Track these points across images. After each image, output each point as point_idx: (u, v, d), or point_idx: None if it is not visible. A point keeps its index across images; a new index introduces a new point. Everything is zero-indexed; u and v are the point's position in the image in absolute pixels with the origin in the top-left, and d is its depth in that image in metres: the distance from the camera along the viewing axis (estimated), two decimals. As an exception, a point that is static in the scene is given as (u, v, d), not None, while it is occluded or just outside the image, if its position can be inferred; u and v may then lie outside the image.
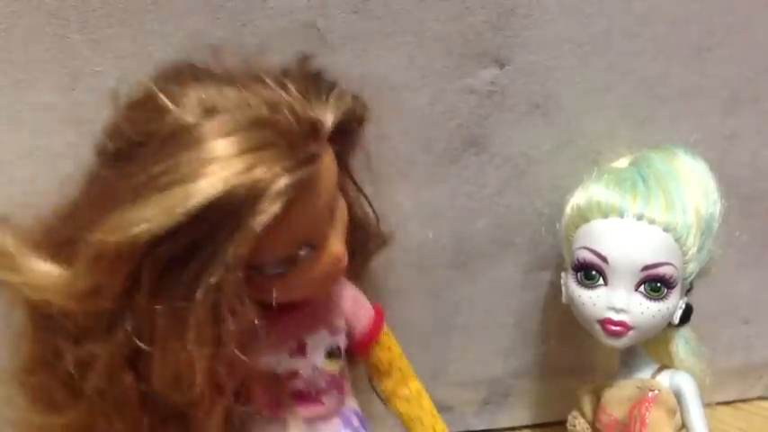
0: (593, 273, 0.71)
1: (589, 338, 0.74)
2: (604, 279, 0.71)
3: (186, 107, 0.55)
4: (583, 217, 0.73)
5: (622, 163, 0.78)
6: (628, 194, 0.72)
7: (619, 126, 0.81)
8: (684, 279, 0.72)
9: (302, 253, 0.59)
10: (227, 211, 0.52)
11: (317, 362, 0.67)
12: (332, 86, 0.60)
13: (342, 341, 0.69)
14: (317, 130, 0.57)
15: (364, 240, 0.72)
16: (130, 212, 0.53)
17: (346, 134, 0.62)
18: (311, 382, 0.67)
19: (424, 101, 0.75)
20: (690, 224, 0.71)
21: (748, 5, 0.80)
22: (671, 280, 0.70)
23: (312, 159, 0.56)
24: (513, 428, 0.92)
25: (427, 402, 0.73)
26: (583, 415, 0.78)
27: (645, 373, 0.74)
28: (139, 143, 0.55)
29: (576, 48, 0.77)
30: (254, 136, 0.54)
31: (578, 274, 0.73)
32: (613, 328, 0.71)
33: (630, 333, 0.71)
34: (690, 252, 0.71)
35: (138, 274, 0.54)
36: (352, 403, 0.71)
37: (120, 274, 0.54)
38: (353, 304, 0.70)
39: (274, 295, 0.59)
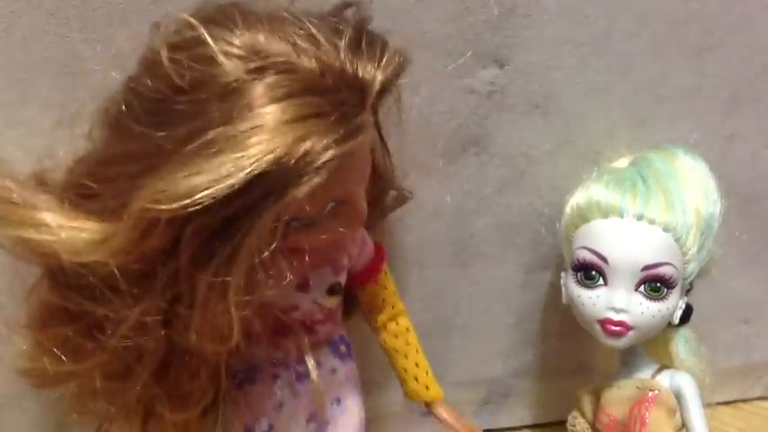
0: (593, 273, 0.71)
1: (589, 338, 0.74)
2: (604, 279, 0.71)
3: (235, 60, 0.53)
4: (583, 217, 0.73)
5: (622, 163, 0.78)
6: (627, 194, 0.72)
7: (618, 126, 0.81)
8: (684, 279, 0.72)
9: (329, 208, 0.60)
10: (272, 182, 0.52)
11: (317, 297, 0.68)
12: (383, 45, 0.58)
13: (343, 278, 0.70)
14: (366, 98, 0.56)
15: (382, 192, 0.72)
16: (179, 180, 0.51)
17: (386, 91, 0.60)
18: (308, 315, 0.68)
19: (424, 101, 0.75)
20: (690, 224, 0.71)
21: (748, 6, 0.80)
22: (671, 280, 0.70)
23: (360, 130, 0.56)
24: (513, 428, 0.92)
25: (413, 339, 0.75)
26: (583, 415, 0.78)
27: (645, 374, 0.74)
28: (183, 90, 0.54)
29: (575, 48, 0.77)
30: (305, 103, 0.53)
31: (578, 274, 0.73)
32: (613, 328, 0.71)
33: (630, 333, 0.71)
34: (690, 252, 0.71)
35: (178, 240, 0.54)
36: (340, 331, 0.72)
37: (161, 240, 0.54)
38: (359, 244, 0.70)
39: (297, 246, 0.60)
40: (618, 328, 0.71)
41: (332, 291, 0.69)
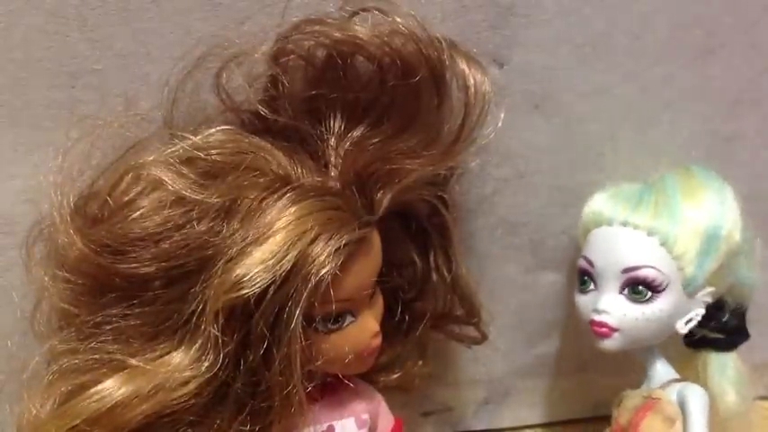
0: (585, 278, 0.73)
1: (589, 339, 0.74)
2: (594, 284, 0.73)
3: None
4: (585, 228, 0.75)
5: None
6: (619, 205, 0.73)
7: (619, 127, 0.81)
8: (686, 287, 0.72)
9: (342, 315, 0.63)
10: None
11: None
12: None
13: None
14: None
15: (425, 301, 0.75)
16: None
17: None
18: None
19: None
20: (678, 231, 0.71)
21: (750, 8, 0.80)
22: (654, 283, 0.70)
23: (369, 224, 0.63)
24: (513, 428, 0.92)
25: None
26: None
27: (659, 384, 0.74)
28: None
29: (575, 48, 0.77)
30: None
31: (578, 282, 0.74)
32: (597, 329, 0.72)
33: (616, 335, 0.71)
34: (684, 258, 0.71)
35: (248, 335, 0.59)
36: None
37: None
38: (379, 406, 0.71)
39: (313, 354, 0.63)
40: (602, 329, 0.71)
41: None
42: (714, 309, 0.74)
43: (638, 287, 0.71)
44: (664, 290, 0.71)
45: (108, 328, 0.60)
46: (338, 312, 0.62)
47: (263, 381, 0.59)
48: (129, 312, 0.60)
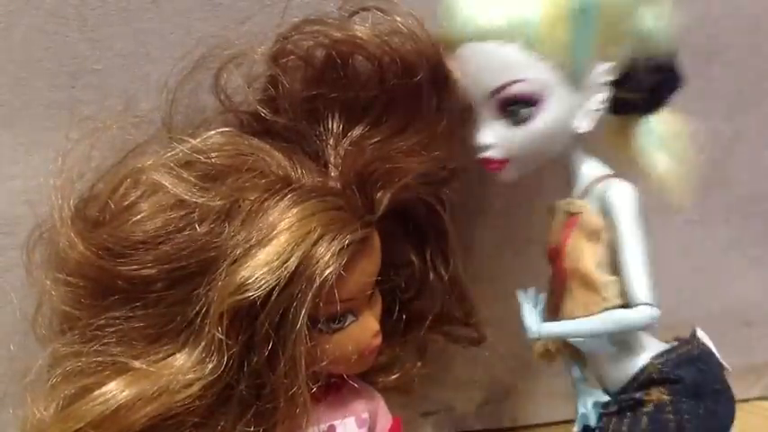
0: None
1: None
2: None
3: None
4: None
5: None
6: (465, 17, 0.62)
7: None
8: (571, 83, 0.61)
9: (344, 315, 0.63)
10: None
11: None
12: None
13: None
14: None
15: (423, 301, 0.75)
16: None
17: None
18: None
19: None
20: (536, 24, 0.60)
21: (753, 9, 0.80)
22: (529, 95, 0.61)
23: (370, 223, 0.63)
24: (513, 428, 0.92)
25: None
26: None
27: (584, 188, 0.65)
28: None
29: (576, 48, 0.77)
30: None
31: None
32: (487, 166, 0.65)
33: (508, 166, 0.64)
34: (554, 52, 0.60)
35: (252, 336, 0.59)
36: None
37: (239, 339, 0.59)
38: (378, 406, 0.71)
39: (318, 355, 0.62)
40: (491, 166, 0.64)
41: None
42: (625, 72, 0.64)
43: (514, 107, 0.61)
44: (544, 98, 0.62)
45: (111, 330, 0.60)
46: (341, 312, 0.62)
47: (268, 382, 0.59)
48: (131, 315, 0.60)
